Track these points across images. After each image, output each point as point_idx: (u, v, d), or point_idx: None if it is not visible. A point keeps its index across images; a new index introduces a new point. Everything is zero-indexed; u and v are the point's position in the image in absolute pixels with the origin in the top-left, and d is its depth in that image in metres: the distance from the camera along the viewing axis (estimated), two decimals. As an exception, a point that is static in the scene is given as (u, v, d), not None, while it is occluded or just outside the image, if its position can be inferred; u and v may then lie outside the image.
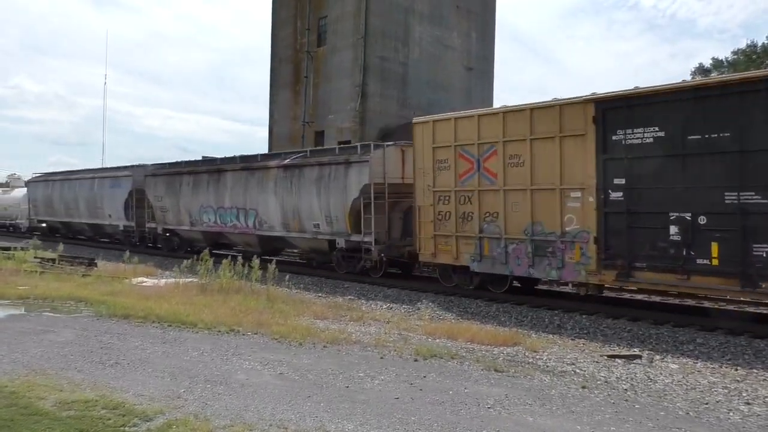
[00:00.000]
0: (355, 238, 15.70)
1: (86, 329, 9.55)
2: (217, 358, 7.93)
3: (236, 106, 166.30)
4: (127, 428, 5.28)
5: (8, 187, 38.73)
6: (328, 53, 30.50)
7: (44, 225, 32.76)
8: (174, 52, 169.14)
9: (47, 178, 32.25)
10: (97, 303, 11.75)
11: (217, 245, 21.42)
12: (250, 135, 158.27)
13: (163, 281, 15.41)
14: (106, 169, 28.23)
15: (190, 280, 14.38)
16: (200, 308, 11.21)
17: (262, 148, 39.87)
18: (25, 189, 35.22)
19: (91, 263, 18.43)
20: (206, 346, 8.59)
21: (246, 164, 19.37)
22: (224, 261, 14.26)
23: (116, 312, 10.82)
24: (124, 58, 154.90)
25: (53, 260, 18.56)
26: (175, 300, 12.03)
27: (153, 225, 23.38)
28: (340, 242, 16.15)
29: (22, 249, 21.16)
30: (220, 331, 9.60)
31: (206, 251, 15.31)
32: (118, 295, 12.75)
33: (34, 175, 34.07)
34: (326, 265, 17.75)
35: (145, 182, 23.78)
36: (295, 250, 20.59)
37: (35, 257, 19.41)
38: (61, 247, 19.99)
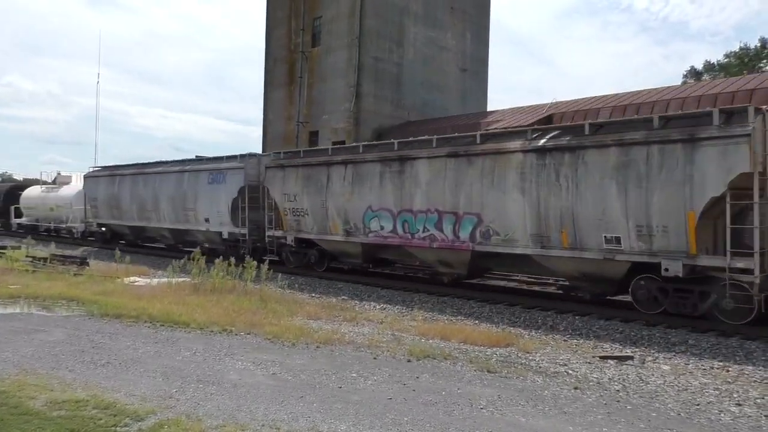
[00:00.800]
0: (707, 261, 10.11)
1: (78, 329, 9.50)
2: (209, 358, 7.90)
3: (231, 106, 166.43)
4: (118, 428, 5.25)
5: (55, 184, 33.19)
6: (323, 53, 30.52)
7: (103, 229, 27.23)
8: (170, 52, 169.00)
9: (112, 172, 26.31)
10: (88, 302, 11.69)
11: (377, 261, 16.92)
12: (245, 135, 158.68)
13: (155, 281, 15.35)
14: (202, 159, 22.00)
15: (182, 279, 14.32)
16: (193, 308, 11.16)
17: (257, 147, 39.80)
18: (78, 186, 30.34)
19: (83, 262, 18.33)
20: (198, 346, 8.55)
21: (456, 147, 13.38)
22: (217, 261, 14.22)
23: (108, 312, 10.77)
24: (120, 58, 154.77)
25: (45, 259, 18.45)
26: (167, 300, 11.98)
27: (278, 233, 17.86)
28: (672, 267, 10.29)
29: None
30: (212, 331, 9.56)
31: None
32: (110, 295, 12.69)
33: (91, 169, 28.36)
34: (601, 298, 12.54)
35: (265, 176, 18.26)
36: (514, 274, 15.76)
37: (27, 256, 19.29)
38: (53, 245, 19.87)
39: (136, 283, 14.97)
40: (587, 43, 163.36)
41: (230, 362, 7.70)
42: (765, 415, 6.17)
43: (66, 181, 32.98)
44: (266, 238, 18.30)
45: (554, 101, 24.00)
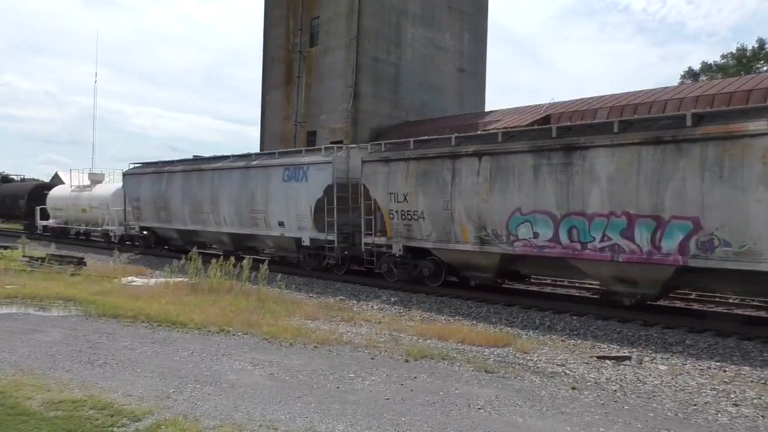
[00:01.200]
0: None
1: (75, 329, 9.48)
2: (207, 358, 7.89)
3: (228, 106, 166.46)
4: (115, 428, 5.24)
5: (89, 183, 29.63)
6: (321, 53, 30.48)
7: (145, 233, 24.19)
8: (168, 52, 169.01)
9: (159, 169, 22.93)
10: (86, 302, 11.67)
11: (512, 276, 14.18)
12: (242, 135, 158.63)
13: (153, 281, 15.33)
14: (273, 153, 18.89)
15: (180, 279, 14.31)
16: (190, 308, 11.15)
17: (254, 147, 39.78)
18: (114, 185, 27.60)
19: (80, 262, 18.30)
20: (196, 346, 8.55)
21: (656, 132, 10.43)
22: (214, 261, 14.20)
23: (105, 312, 10.75)
24: (116, 57, 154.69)
25: (42, 259, 18.42)
26: (165, 300, 11.97)
27: (381, 240, 14.98)
28: None
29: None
30: (210, 331, 9.55)
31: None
32: (107, 295, 12.67)
33: (132, 166, 25.11)
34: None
35: (362, 172, 15.25)
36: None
37: (24, 256, 19.26)
38: (52, 246, 19.81)
39: (133, 284, 14.95)
40: (585, 43, 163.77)
41: (228, 362, 7.69)
42: (762, 416, 6.18)
43: (99, 179, 30.10)
44: (362, 246, 15.44)
45: (552, 101, 24.02)
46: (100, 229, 27.25)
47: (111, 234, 26.16)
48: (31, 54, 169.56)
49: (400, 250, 14.55)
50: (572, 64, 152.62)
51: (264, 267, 13.51)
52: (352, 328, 10.58)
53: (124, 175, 25.27)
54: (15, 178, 40.68)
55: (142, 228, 24.02)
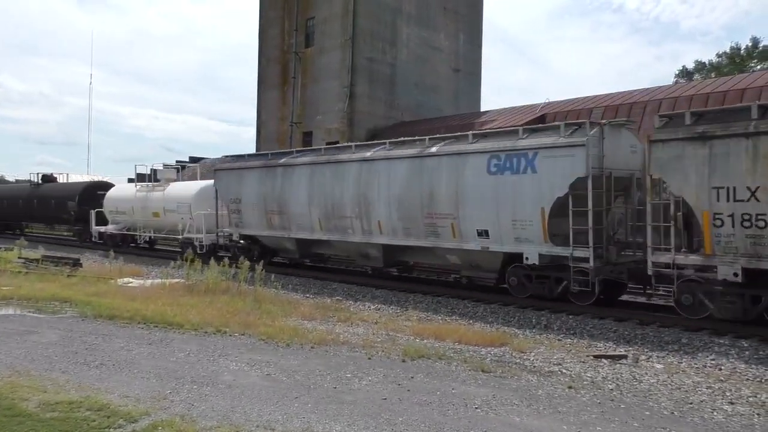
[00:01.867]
0: None
1: (71, 330, 9.46)
2: (203, 359, 7.88)
3: (224, 107, 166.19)
4: (112, 430, 5.23)
5: (158, 181, 24.32)
6: (316, 54, 30.50)
7: (241, 242, 19.28)
8: (163, 52, 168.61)
9: (269, 162, 18.13)
10: (82, 304, 11.64)
11: None
12: (238, 135, 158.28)
13: (149, 282, 15.30)
14: (467, 136, 13.69)
15: (176, 280, 14.28)
16: (187, 309, 11.14)
17: (250, 148, 39.70)
18: (199, 183, 22.58)
19: (76, 263, 18.23)
20: (193, 347, 8.54)
21: None
22: (211, 262, 14.17)
23: (101, 313, 10.73)
24: (112, 58, 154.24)
25: (37, 260, 18.36)
26: (161, 301, 11.94)
27: (693, 259, 10.27)
28: None
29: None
30: (206, 332, 9.55)
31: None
32: (103, 296, 12.64)
33: (223, 158, 20.92)
34: None
35: (649, 157, 10.63)
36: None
37: (19, 257, 19.19)
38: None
39: (129, 284, 14.91)
40: (580, 43, 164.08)
41: (224, 363, 7.69)
42: (757, 413, 6.21)
43: (171, 177, 24.56)
44: (649, 267, 10.75)
45: (547, 101, 24.10)
46: (180, 237, 21.62)
47: (197, 244, 20.40)
48: (25, 55, 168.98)
49: (735, 274, 9.67)
50: (568, 64, 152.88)
51: (260, 268, 13.50)
52: (349, 328, 10.58)
53: (216, 170, 20.45)
54: (58, 177, 36.47)
55: (243, 236, 19.25)
